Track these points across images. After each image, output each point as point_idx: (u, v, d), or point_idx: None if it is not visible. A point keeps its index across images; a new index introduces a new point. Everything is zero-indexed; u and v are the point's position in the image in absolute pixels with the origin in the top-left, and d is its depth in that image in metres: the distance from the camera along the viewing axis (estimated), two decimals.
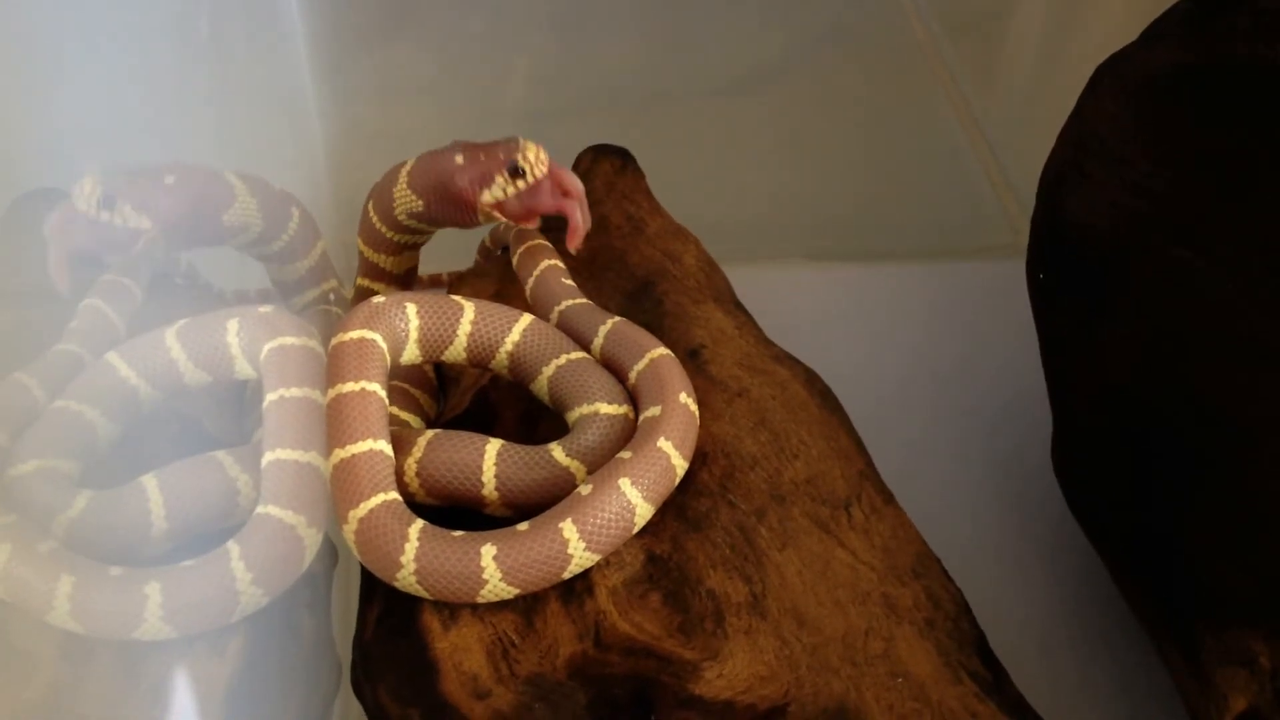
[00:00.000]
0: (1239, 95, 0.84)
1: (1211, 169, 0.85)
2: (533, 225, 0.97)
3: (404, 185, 0.97)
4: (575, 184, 0.95)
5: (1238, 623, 0.81)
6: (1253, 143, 0.83)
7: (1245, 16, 0.86)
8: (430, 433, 0.87)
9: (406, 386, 0.99)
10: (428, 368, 1.04)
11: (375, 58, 1.70)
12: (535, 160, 0.93)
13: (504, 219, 0.96)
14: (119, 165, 0.93)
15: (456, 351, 0.91)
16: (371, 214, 1.02)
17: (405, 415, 0.96)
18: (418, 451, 0.85)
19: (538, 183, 0.94)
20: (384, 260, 1.05)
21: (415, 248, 1.06)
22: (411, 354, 0.91)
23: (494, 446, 0.85)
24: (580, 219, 0.96)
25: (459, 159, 0.94)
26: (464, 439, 0.86)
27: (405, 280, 1.09)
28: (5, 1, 1.34)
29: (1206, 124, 0.86)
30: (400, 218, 0.99)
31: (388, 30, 1.78)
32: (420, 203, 0.97)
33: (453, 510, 0.86)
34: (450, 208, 0.96)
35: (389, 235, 1.02)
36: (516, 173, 0.93)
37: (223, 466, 0.84)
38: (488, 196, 0.94)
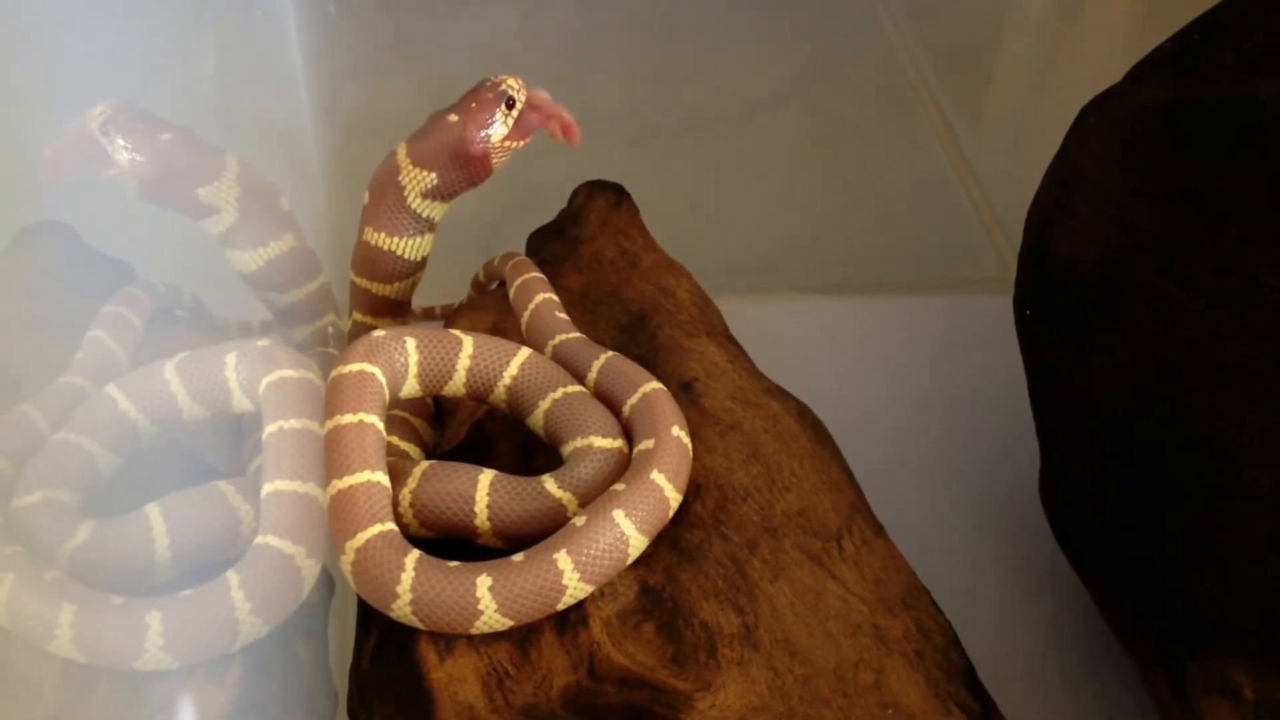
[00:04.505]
0: (1224, 132, 0.85)
1: (1197, 205, 0.85)
2: (526, 141, 0.99)
3: (410, 167, 0.98)
4: (542, 95, 0.99)
5: (1222, 653, 0.82)
6: (1237, 178, 0.83)
7: (1229, 54, 0.87)
8: (425, 464, 0.87)
9: (406, 415, 1.00)
10: (426, 397, 1.04)
11: (371, 92, 1.72)
12: (518, 87, 0.97)
13: (512, 147, 0.98)
14: (135, 103, 0.98)
15: (456, 386, 0.92)
16: (375, 239, 1.02)
17: (404, 445, 0.96)
18: (412, 482, 0.86)
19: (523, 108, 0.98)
20: (383, 289, 1.04)
21: (422, 263, 1.05)
22: (411, 388, 0.91)
23: (487, 477, 0.86)
24: (567, 116, 0.99)
25: (453, 117, 0.97)
26: (458, 470, 0.87)
27: (400, 310, 1.08)
28: (11, 41, 1.35)
29: (1192, 161, 0.87)
30: (414, 205, 0.99)
31: (383, 66, 1.80)
32: (432, 176, 0.97)
33: (447, 542, 0.86)
34: (465, 166, 0.97)
35: (403, 249, 1.02)
36: (510, 103, 0.96)
37: (225, 497, 0.84)
38: (496, 137, 0.96)
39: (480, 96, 0.97)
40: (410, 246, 1.02)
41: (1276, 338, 0.80)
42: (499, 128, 0.96)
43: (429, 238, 1.02)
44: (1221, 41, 0.88)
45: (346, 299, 1.08)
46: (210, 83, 1.54)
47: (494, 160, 0.98)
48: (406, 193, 0.99)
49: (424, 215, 1.00)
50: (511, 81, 0.97)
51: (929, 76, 1.78)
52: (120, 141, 0.95)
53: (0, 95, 1.36)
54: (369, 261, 1.03)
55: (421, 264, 1.04)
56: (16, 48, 1.37)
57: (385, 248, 1.01)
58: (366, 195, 1.02)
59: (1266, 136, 0.83)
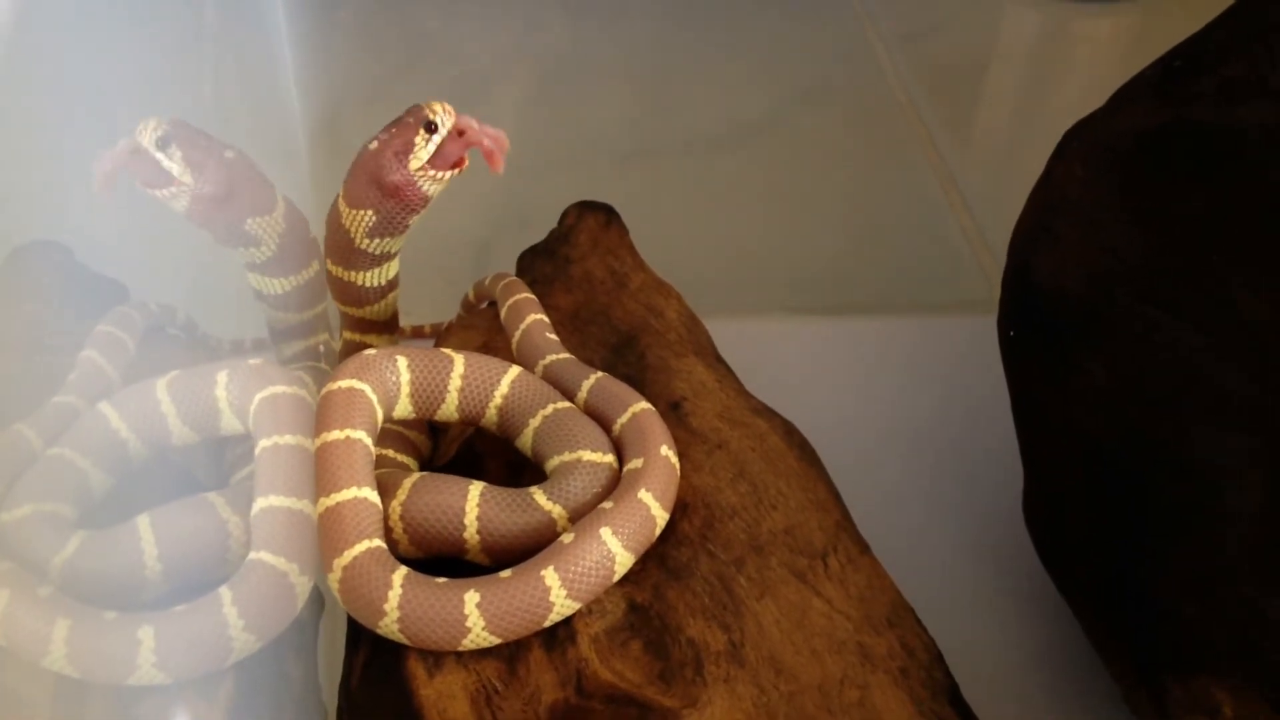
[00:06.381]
0: (1204, 158, 0.86)
1: (1177, 230, 0.87)
2: (460, 169, 0.94)
3: (347, 210, 0.95)
4: (469, 121, 0.94)
5: (1202, 673, 0.82)
6: (1217, 204, 0.85)
7: (1210, 82, 0.88)
8: (415, 476, 0.88)
9: (400, 429, 1.00)
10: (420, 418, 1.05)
11: (364, 113, 1.73)
12: (442, 111, 0.92)
13: (440, 176, 0.93)
14: (184, 120, 0.93)
15: (449, 410, 0.93)
16: (337, 270, 1.01)
17: (401, 457, 0.96)
18: (402, 494, 0.86)
19: (447, 136, 0.93)
20: (367, 310, 1.04)
21: (392, 285, 1.05)
22: (405, 408, 0.92)
23: (477, 488, 0.86)
24: (490, 143, 0.93)
25: (374, 145, 0.93)
26: (447, 481, 0.87)
27: (388, 328, 1.08)
28: (8, 58, 1.36)
29: (1173, 186, 0.88)
30: (364, 244, 0.97)
31: (376, 87, 1.81)
32: (369, 213, 0.94)
33: (435, 563, 0.87)
34: (393, 196, 0.93)
35: (365, 280, 1.00)
36: (430, 128, 0.92)
37: (215, 508, 0.85)
38: (415, 162, 0.92)
39: (401, 122, 0.93)
40: (371, 276, 1.00)
41: (1256, 361, 0.81)
42: (420, 153, 0.92)
43: (390, 264, 1.01)
44: (1202, 68, 0.89)
45: (337, 316, 1.09)
46: (209, 104, 1.56)
47: (421, 186, 0.93)
48: (353, 235, 0.96)
49: (377, 251, 0.98)
50: (436, 106, 0.92)
51: (918, 100, 1.79)
52: (181, 155, 0.92)
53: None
54: (337, 289, 1.03)
55: (390, 286, 1.03)
56: (10, 68, 1.37)
57: (346, 279, 1.01)
58: (325, 225, 1.00)
59: (1247, 162, 0.84)
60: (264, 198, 0.97)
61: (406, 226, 0.97)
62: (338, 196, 0.96)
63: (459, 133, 0.93)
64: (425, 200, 0.95)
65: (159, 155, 0.91)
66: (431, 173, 0.93)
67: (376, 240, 0.97)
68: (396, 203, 0.94)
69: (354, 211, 0.95)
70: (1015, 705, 1.02)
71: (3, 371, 1.00)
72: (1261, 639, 0.80)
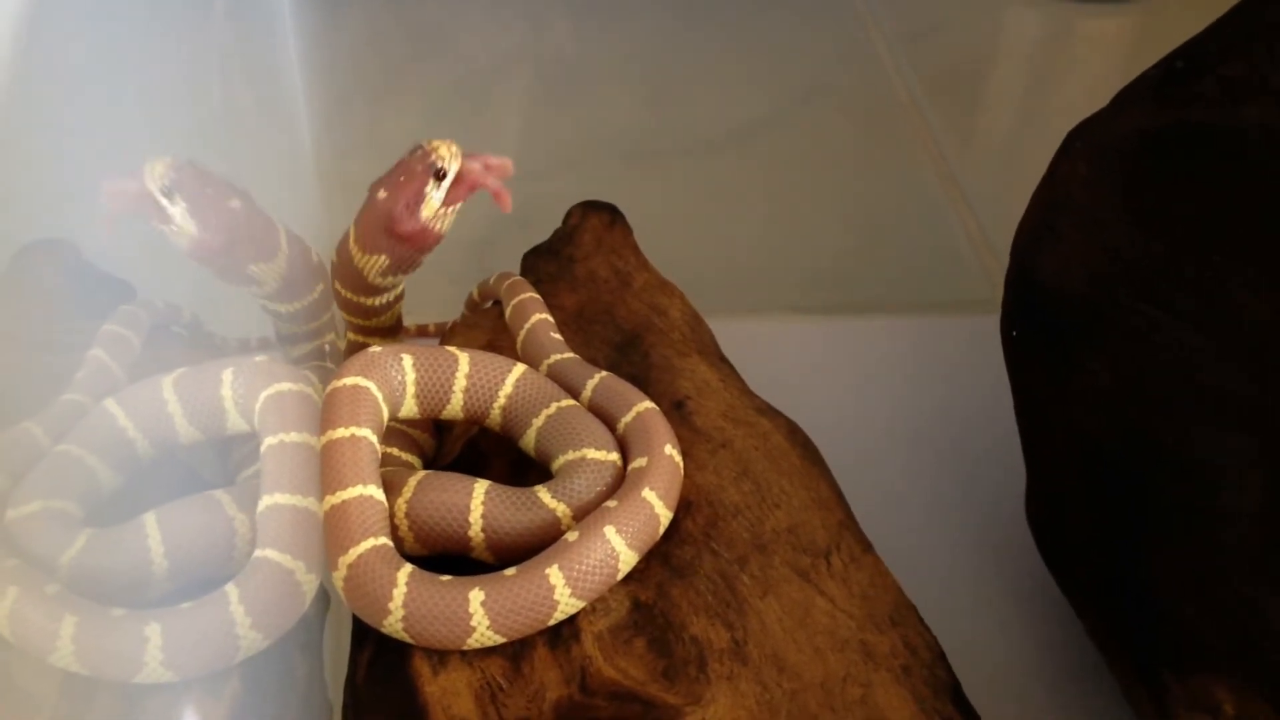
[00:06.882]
0: (1206, 158, 0.86)
1: (1179, 230, 0.87)
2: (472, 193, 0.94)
3: (360, 254, 0.96)
4: (472, 164, 0.93)
5: (1203, 671, 0.83)
6: (1218, 204, 0.85)
7: (1211, 83, 0.88)
8: (420, 473, 0.88)
9: (404, 428, 1.00)
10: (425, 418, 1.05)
11: (369, 115, 1.74)
12: (450, 155, 0.92)
13: (450, 211, 0.93)
14: (195, 161, 0.93)
15: (454, 409, 0.93)
16: (346, 293, 1.01)
17: (406, 455, 0.97)
18: (408, 491, 0.86)
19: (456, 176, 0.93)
20: (373, 320, 1.05)
21: (399, 297, 1.06)
22: (410, 408, 0.92)
23: (482, 486, 0.86)
24: (494, 183, 0.93)
25: (382, 194, 0.93)
26: (452, 479, 0.87)
27: (392, 331, 1.09)
28: (17, 58, 1.36)
29: (1174, 186, 0.88)
30: (377, 281, 0.98)
31: (380, 89, 1.81)
32: (383, 258, 0.96)
33: (440, 559, 0.87)
34: (407, 242, 0.94)
35: (375, 302, 1.02)
36: (440, 175, 0.91)
37: (221, 505, 0.85)
38: (428, 211, 0.92)
39: (409, 169, 0.92)
40: (381, 299, 1.02)
41: (1255, 362, 0.81)
42: (431, 202, 0.92)
43: (399, 286, 1.03)
44: (1204, 69, 0.89)
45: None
46: (216, 102, 1.56)
47: (435, 228, 0.93)
48: (366, 274, 0.98)
49: (389, 285, 1.00)
50: (443, 150, 0.91)
51: (920, 100, 1.80)
52: (184, 206, 0.91)
53: (5, 114, 1.37)
54: (345, 306, 1.04)
55: (397, 299, 1.05)
56: (20, 65, 1.38)
57: (356, 300, 1.02)
58: (334, 255, 1.00)
59: (1247, 163, 0.84)
60: (267, 245, 0.98)
61: (421, 262, 0.98)
62: (349, 233, 0.97)
63: (460, 178, 0.93)
64: (440, 239, 0.95)
65: (163, 201, 0.91)
66: (442, 211, 0.93)
67: (390, 278, 0.98)
68: (411, 247, 0.95)
69: (367, 256, 0.96)
70: (1017, 703, 1.03)
71: (11, 369, 1.00)
72: (1261, 638, 0.80)
